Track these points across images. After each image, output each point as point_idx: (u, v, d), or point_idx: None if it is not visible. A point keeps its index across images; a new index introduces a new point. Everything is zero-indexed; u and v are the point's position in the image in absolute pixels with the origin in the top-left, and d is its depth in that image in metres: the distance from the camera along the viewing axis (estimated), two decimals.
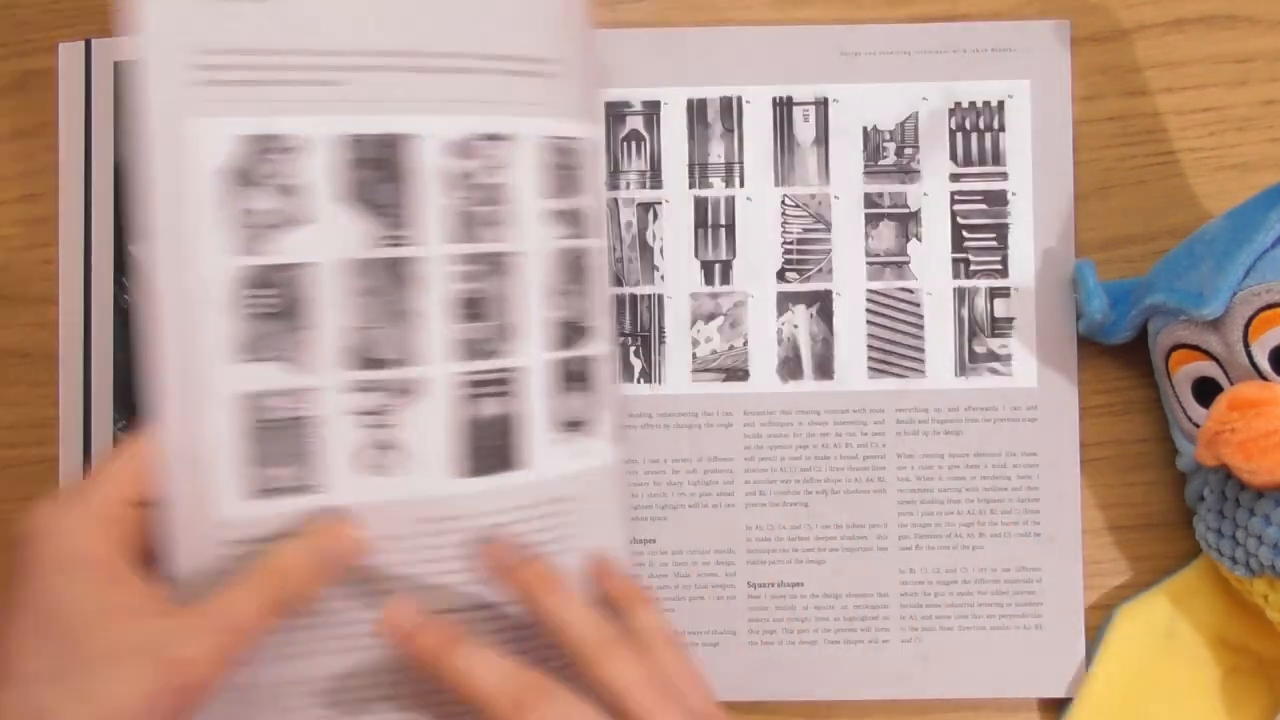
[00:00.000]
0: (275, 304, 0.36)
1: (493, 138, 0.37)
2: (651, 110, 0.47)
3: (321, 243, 0.36)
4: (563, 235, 0.39)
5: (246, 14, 0.35)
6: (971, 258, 0.46)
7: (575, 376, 0.39)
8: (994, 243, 0.46)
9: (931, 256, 0.46)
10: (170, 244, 0.35)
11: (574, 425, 0.39)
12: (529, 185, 0.38)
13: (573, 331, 0.39)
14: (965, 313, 0.46)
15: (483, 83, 0.37)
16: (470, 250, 0.37)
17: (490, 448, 0.38)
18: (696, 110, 0.47)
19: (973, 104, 0.46)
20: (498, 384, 0.38)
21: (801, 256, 0.46)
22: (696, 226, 0.47)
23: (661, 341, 0.46)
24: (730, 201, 0.47)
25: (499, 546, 0.37)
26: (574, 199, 0.39)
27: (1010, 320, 0.46)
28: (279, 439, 0.36)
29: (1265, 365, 0.39)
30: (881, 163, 0.46)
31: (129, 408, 0.46)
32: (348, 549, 0.36)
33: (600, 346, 0.40)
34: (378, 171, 0.36)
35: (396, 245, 0.37)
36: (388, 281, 0.37)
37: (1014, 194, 0.46)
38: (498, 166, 0.37)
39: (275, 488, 0.36)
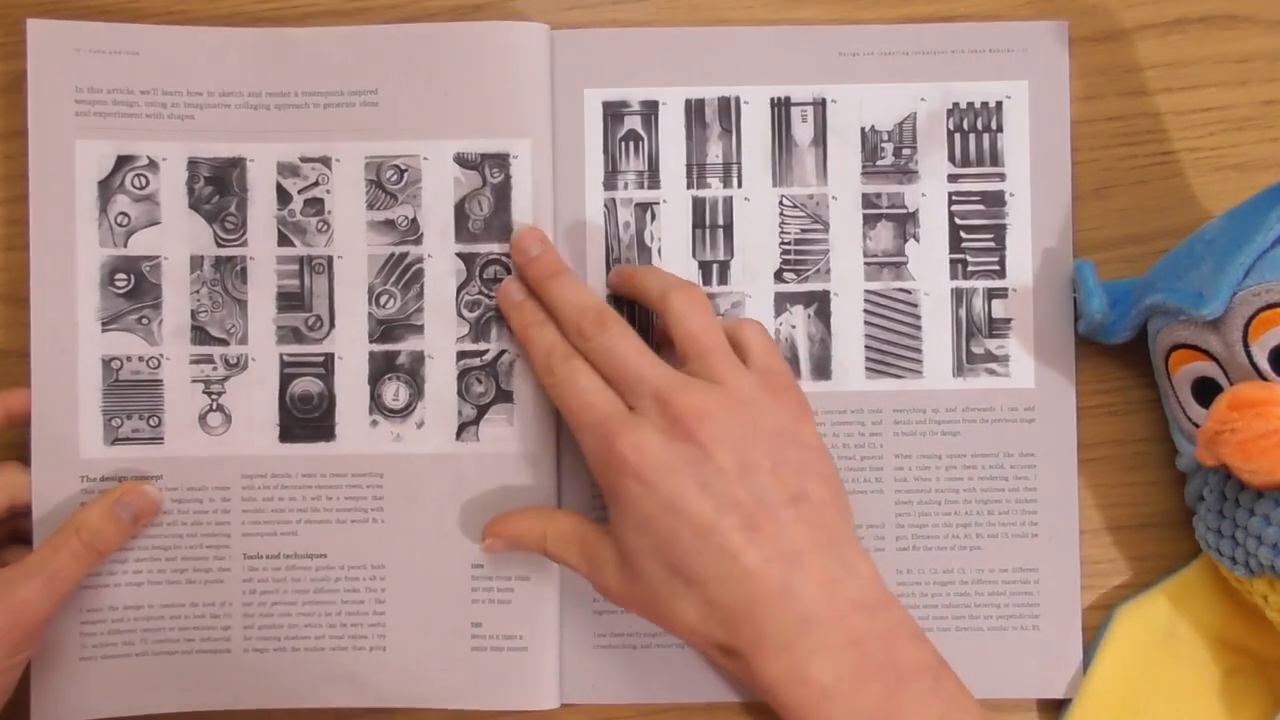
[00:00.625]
0: (132, 286, 0.46)
1: (314, 160, 0.46)
2: (649, 110, 0.47)
3: (170, 241, 0.46)
4: (383, 243, 0.46)
5: (119, 63, 0.46)
6: (969, 258, 0.46)
7: (398, 369, 0.46)
8: (992, 243, 0.46)
9: (929, 257, 0.46)
10: (58, 236, 0.46)
11: (393, 412, 0.45)
12: (348, 199, 0.46)
13: (395, 329, 0.46)
14: (963, 313, 0.46)
15: (305, 114, 0.46)
16: (292, 253, 0.46)
17: (304, 420, 0.46)
18: (694, 110, 0.47)
19: (971, 104, 0.46)
20: (314, 366, 0.46)
21: (799, 257, 0.46)
22: (694, 227, 0.47)
23: None
24: (728, 202, 0.47)
25: (526, 237, 0.44)
26: (396, 210, 0.46)
27: (1008, 321, 0.46)
28: (132, 396, 0.46)
29: (1265, 365, 0.39)
30: (879, 163, 0.46)
31: None
32: (141, 506, 0.44)
33: (433, 345, 0.45)
34: (218, 187, 0.46)
35: (230, 246, 0.46)
36: (224, 275, 0.46)
37: (1012, 194, 0.46)
38: (318, 184, 0.46)
39: (127, 436, 0.46)
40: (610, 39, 0.47)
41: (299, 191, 0.46)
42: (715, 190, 0.47)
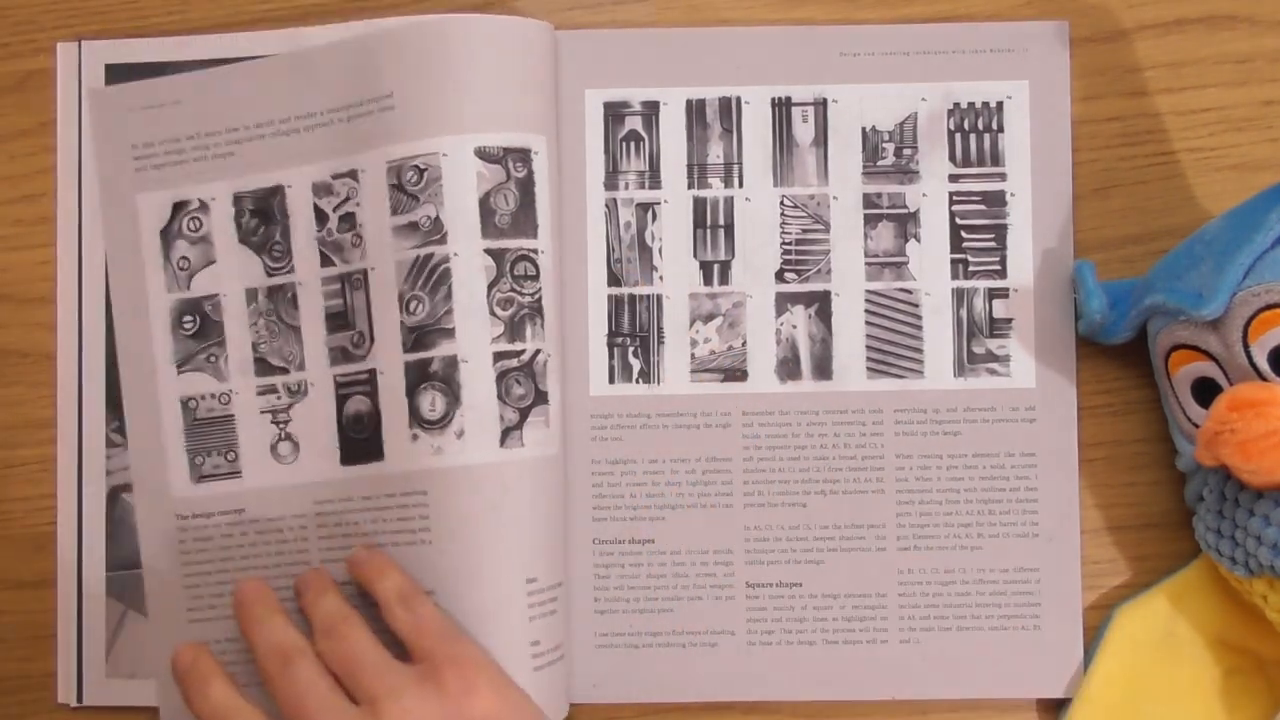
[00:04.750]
0: (198, 327, 0.46)
1: (343, 175, 0.45)
2: (650, 111, 0.47)
3: (226, 277, 0.46)
4: (408, 246, 0.44)
5: (168, 114, 0.46)
6: (970, 258, 0.46)
7: (432, 377, 0.43)
8: (993, 243, 0.46)
9: (930, 257, 0.46)
10: (128, 286, 0.46)
11: (430, 424, 0.43)
12: (374, 208, 0.44)
13: (426, 335, 0.43)
14: (964, 313, 0.46)
15: (332, 131, 0.45)
16: (333, 273, 0.45)
17: (357, 440, 0.45)
18: (695, 111, 0.47)
19: (972, 105, 0.46)
20: (361, 384, 0.45)
21: (800, 257, 0.46)
22: (695, 227, 0.47)
23: (660, 342, 0.46)
24: (729, 202, 0.47)
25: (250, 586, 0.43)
26: (418, 211, 0.44)
27: (1009, 321, 0.46)
28: (209, 434, 0.46)
29: (1265, 366, 0.39)
30: (880, 163, 0.46)
31: (123, 408, 0.46)
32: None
33: (466, 348, 0.43)
34: (262, 218, 0.46)
35: (279, 274, 0.46)
36: (277, 304, 0.46)
37: (1013, 194, 0.46)
38: (349, 199, 0.45)
39: (209, 474, 0.46)
40: (611, 39, 0.47)
41: (333, 210, 0.45)
42: (716, 190, 0.47)
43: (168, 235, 0.46)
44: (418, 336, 0.44)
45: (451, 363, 0.43)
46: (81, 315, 0.47)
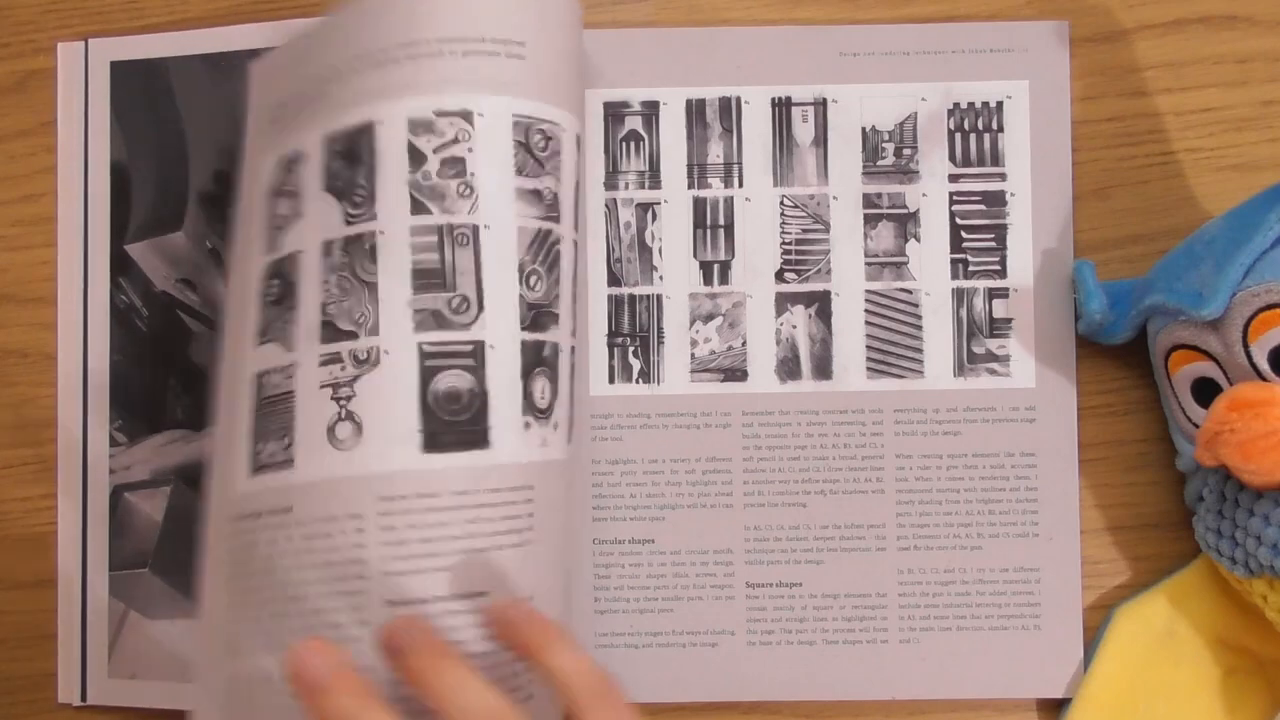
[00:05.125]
0: (279, 291, 0.39)
1: (452, 114, 0.38)
2: (650, 110, 0.47)
3: (308, 231, 0.39)
4: (532, 215, 0.39)
5: (296, 73, 0.41)
6: (970, 258, 0.46)
7: (542, 362, 0.39)
8: (993, 243, 0.46)
9: (930, 257, 0.46)
10: (243, 252, 0.41)
11: (541, 413, 0.38)
12: (494, 160, 0.38)
13: (542, 315, 0.39)
14: (964, 313, 0.46)
15: (441, 64, 0.38)
16: (429, 222, 0.38)
17: (451, 424, 0.37)
18: (695, 110, 0.47)
19: (971, 105, 0.46)
20: (462, 356, 0.37)
21: (800, 257, 0.46)
22: (695, 227, 0.47)
23: (660, 342, 0.46)
24: (729, 202, 0.47)
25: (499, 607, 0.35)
26: (543, 180, 0.39)
27: (1009, 321, 0.46)
28: (271, 415, 0.39)
29: (1264, 366, 0.39)
30: (880, 163, 0.46)
31: (125, 408, 0.47)
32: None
33: (564, 337, 0.40)
34: (348, 160, 0.39)
35: (358, 222, 0.38)
36: (353, 257, 0.38)
37: (1013, 194, 0.46)
38: (458, 141, 0.38)
39: (265, 463, 0.38)
40: (611, 39, 0.47)
41: (434, 151, 0.38)
42: (716, 190, 0.47)
43: (274, 194, 0.41)
44: (535, 316, 0.38)
45: (555, 350, 0.39)
46: (87, 315, 0.47)
